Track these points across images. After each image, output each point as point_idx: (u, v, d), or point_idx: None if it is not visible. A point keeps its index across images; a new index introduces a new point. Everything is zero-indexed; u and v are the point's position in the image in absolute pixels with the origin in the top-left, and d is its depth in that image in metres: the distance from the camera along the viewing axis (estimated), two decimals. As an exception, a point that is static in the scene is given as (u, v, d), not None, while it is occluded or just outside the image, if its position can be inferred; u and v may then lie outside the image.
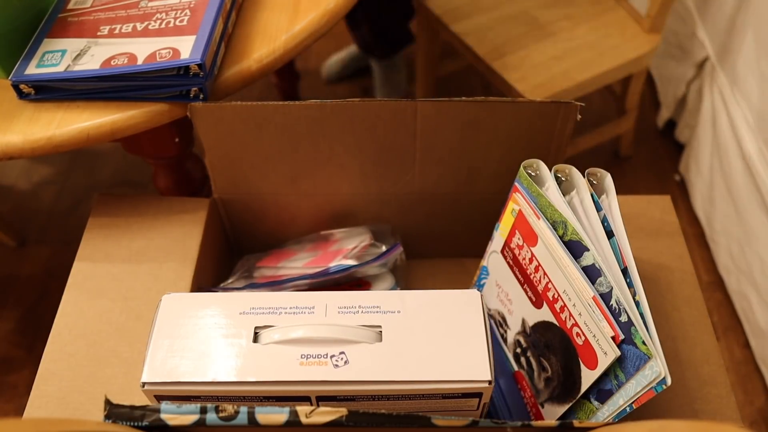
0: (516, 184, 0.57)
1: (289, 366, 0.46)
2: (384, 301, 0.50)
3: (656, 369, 0.44)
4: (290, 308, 0.50)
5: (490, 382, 0.46)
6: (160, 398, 0.47)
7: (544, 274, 0.53)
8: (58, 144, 0.63)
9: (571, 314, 0.51)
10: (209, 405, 0.39)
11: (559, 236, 0.52)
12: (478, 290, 0.51)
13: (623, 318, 0.47)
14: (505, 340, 0.63)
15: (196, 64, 0.62)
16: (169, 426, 0.38)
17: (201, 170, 0.85)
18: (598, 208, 0.53)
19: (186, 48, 0.63)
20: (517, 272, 0.58)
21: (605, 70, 1.21)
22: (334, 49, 1.63)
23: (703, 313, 0.66)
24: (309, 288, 0.68)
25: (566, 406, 0.53)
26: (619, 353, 0.47)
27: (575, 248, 0.51)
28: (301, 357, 0.47)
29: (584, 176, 0.55)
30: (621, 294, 0.47)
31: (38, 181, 1.47)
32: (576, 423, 0.41)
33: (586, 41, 1.25)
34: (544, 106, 0.64)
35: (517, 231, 0.57)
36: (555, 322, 0.53)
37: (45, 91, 0.65)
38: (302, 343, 0.47)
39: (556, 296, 0.52)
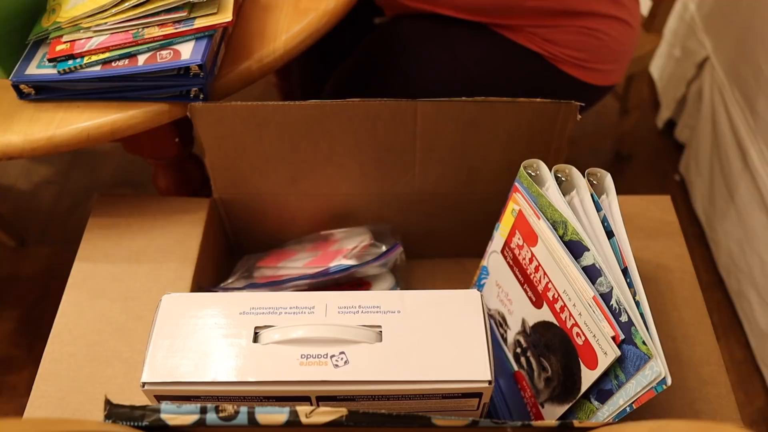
0: (516, 184, 0.57)
1: (289, 366, 0.46)
2: (384, 301, 0.50)
3: (656, 369, 0.44)
4: (290, 308, 0.50)
5: (490, 382, 0.46)
6: (160, 398, 0.47)
7: (544, 274, 0.53)
8: (58, 144, 0.63)
9: (571, 314, 0.51)
10: (209, 405, 0.39)
11: (560, 236, 0.52)
12: (478, 290, 0.52)
13: (623, 318, 0.47)
14: (505, 340, 0.63)
15: (197, 65, 0.62)
16: (169, 426, 0.38)
17: (201, 170, 0.85)
18: (598, 208, 0.53)
19: (186, 49, 0.63)
20: (517, 272, 0.58)
21: (605, 70, 1.20)
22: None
23: (703, 313, 0.66)
24: (309, 288, 0.68)
25: (566, 406, 0.53)
26: (619, 353, 0.47)
27: (575, 248, 0.51)
28: (301, 357, 0.47)
29: (584, 176, 0.55)
30: (621, 294, 0.47)
31: (38, 181, 1.46)
32: (576, 423, 0.41)
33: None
34: (544, 106, 0.64)
35: (517, 231, 0.57)
36: (555, 322, 0.53)
37: (45, 91, 0.65)
38: (302, 343, 0.47)
39: (556, 296, 0.52)
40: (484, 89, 0.77)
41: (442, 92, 0.69)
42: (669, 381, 0.44)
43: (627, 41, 0.92)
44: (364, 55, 0.95)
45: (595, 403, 0.50)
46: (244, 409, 0.39)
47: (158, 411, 0.38)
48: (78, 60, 0.63)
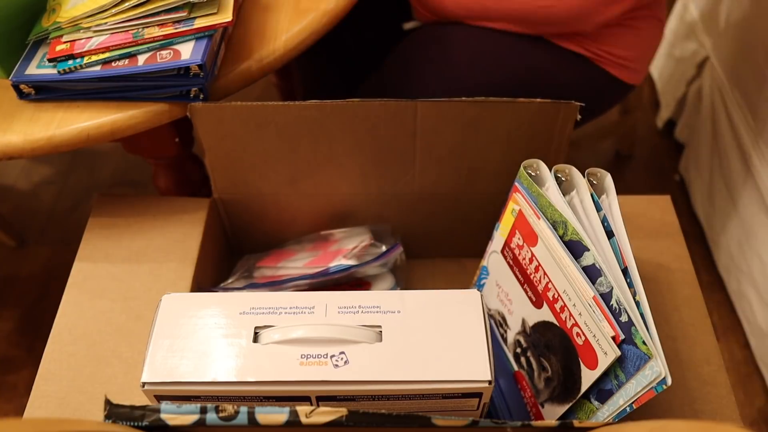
0: (516, 184, 0.57)
1: (289, 366, 0.46)
2: (384, 301, 0.50)
3: (656, 369, 0.44)
4: (290, 308, 0.50)
5: (490, 382, 0.46)
6: (160, 398, 0.47)
7: (544, 274, 0.53)
8: (58, 144, 0.63)
9: (571, 314, 0.51)
10: (209, 405, 0.39)
11: (560, 236, 0.52)
12: (478, 290, 0.51)
13: (623, 318, 0.47)
14: (505, 340, 0.63)
15: (197, 65, 0.62)
16: (169, 426, 0.38)
17: (201, 170, 0.85)
18: (598, 208, 0.53)
19: (186, 49, 0.63)
20: (517, 272, 0.58)
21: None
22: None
23: (703, 313, 0.66)
24: (309, 288, 0.68)
25: (566, 406, 0.53)
26: (619, 353, 0.47)
27: (575, 248, 0.51)
28: (301, 357, 0.47)
29: (584, 176, 0.55)
30: (621, 294, 0.47)
31: (38, 181, 1.46)
32: (576, 423, 0.41)
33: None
34: (544, 106, 0.64)
35: (517, 231, 0.57)
36: (555, 322, 0.53)
37: (45, 91, 0.65)
38: (302, 343, 0.47)
39: (556, 296, 0.52)
40: (525, 93, 0.74)
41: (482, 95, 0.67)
42: (669, 381, 0.44)
43: (659, 38, 0.93)
44: (400, 59, 0.92)
45: (595, 403, 0.50)
46: (244, 409, 0.39)
47: (158, 411, 0.38)
48: (78, 60, 0.63)
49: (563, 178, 0.56)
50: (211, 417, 0.38)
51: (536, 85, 0.86)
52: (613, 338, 0.47)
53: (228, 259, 0.80)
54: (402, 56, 0.92)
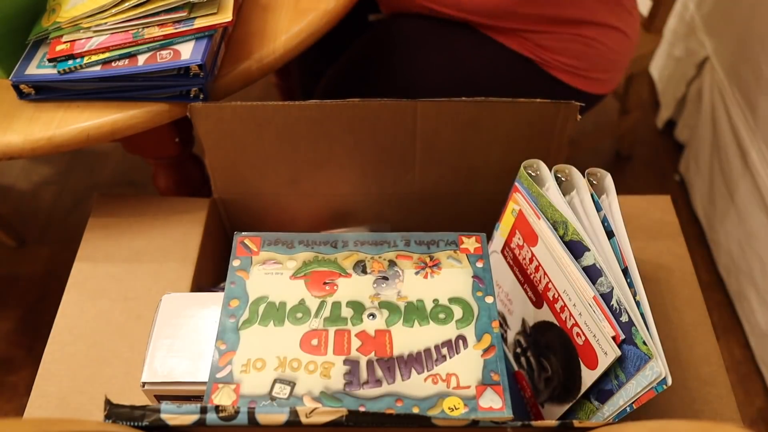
0: (516, 184, 0.57)
1: (289, 366, 0.46)
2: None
3: (657, 369, 0.44)
4: (290, 308, 0.50)
5: (490, 382, 0.46)
6: (160, 398, 0.47)
7: (545, 274, 0.53)
8: (58, 144, 0.63)
9: (571, 314, 0.51)
10: (209, 405, 0.39)
11: (560, 236, 0.52)
12: (478, 290, 0.51)
13: (624, 318, 0.47)
14: (505, 340, 0.63)
15: (197, 65, 0.62)
16: (169, 426, 0.38)
17: (201, 170, 0.85)
18: (598, 208, 0.53)
19: (186, 49, 0.63)
20: (518, 272, 0.58)
21: (605, 70, 1.20)
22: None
23: (703, 313, 0.66)
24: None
25: (566, 406, 0.53)
26: (619, 353, 0.47)
27: (576, 248, 0.51)
28: (301, 357, 0.46)
29: (584, 176, 0.55)
30: (621, 294, 0.47)
31: (38, 181, 1.46)
32: (576, 423, 0.41)
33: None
34: (544, 106, 0.64)
35: (517, 231, 0.57)
36: (555, 322, 0.53)
37: (45, 91, 0.65)
38: (302, 343, 0.47)
39: (556, 296, 0.52)
40: (475, 92, 0.76)
41: (435, 94, 0.69)
42: (669, 381, 0.44)
43: (623, 51, 0.91)
44: (358, 55, 0.95)
45: (596, 403, 0.50)
46: (244, 409, 0.39)
47: (158, 411, 0.38)
48: (78, 60, 0.63)
49: (563, 178, 0.56)
50: (211, 417, 0.38)
51: (480, 81, 0.87)
52: (614, 338, 0.47)
53: (228, 260, 0.80)
54: (364, 49, 0.94)
